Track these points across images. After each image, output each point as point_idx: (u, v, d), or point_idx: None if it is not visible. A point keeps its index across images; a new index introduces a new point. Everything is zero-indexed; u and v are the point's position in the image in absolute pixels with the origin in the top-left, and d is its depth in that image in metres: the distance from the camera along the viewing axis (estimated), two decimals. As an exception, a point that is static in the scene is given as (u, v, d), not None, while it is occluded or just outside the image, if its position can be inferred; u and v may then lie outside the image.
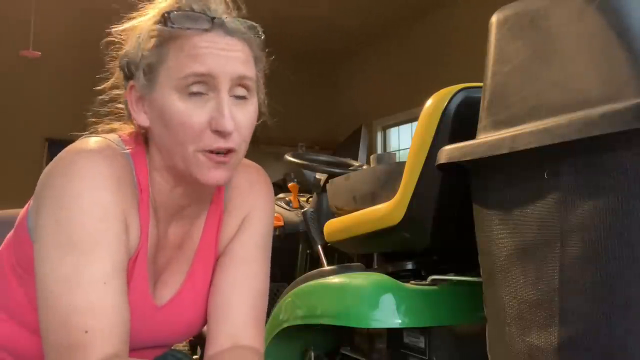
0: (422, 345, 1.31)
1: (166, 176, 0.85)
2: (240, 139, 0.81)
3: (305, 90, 7.01)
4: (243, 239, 0.95)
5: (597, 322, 0.81)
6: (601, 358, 0.81)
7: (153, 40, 0.79)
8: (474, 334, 1.29)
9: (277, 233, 2.19)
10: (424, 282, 1.34)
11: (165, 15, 0.78)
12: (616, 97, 0.79)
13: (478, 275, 1.07)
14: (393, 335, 1.39)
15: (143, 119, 0.83)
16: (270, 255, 1.00)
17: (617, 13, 0.83)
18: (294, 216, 2.24)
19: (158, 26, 0.79)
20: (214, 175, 0.80)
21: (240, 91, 0.80)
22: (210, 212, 0.94)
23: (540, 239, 0.90)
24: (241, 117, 0.80)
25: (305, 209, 1.98)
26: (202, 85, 0.77)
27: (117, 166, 0.80)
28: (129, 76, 0.84)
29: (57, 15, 5.26)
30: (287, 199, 2.43)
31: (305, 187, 2.31)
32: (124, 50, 0.84)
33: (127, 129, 0.89)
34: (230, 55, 0.78)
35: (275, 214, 2.24)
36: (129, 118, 0.87)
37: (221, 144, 0.78)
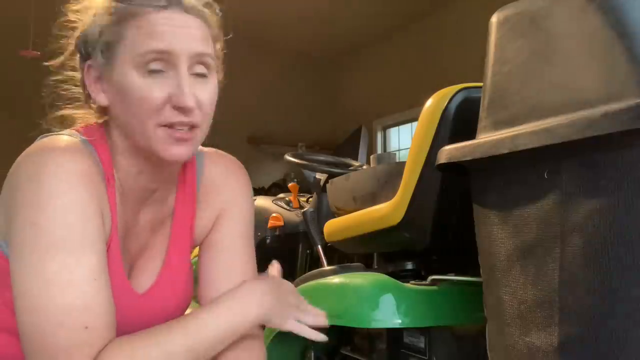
0: (422, 345, 1.31)
1: (130, 159, 0.85)
2: (201, 116, 0.81)
3: (305, 90, 7.01)
4: (227, 231, 0.97)
5: (597, 322, 0.81)
6: (601, 358, 0.81)
7: (110, 18, 0.79)
8: (474, 334, 1.29)
9: (277, 233, 2.19)
10: (424, 282, 1.34)
11: None
12: (616, 97, 0.79)
13: (478, 275, 1.07)
14: (393, 335, 1.39)
15: (102, 98, 0.83)
16: (253, 243, 1.01)
17: (617, 13, 0.83)
18: (294, 216, 2.24)
19: (114, 3, 0.79)
20: (175, 150, 0.80)
21: (200, 69, 0.80)
22: (179, 196, 0.95)
23: (540, 239, 0.90)
24: (202, 94, 0.80)
25: (305, 209, 1.99)
26: (160, 62, 0.77)
27: (84, 160, 0.80)
28: (85, 57, 0.83)
29: (57, 15, 5.26)
30: (287, 199, 2.43)
31: (305, 187, 2.31)
32: (81, 30, 0.83)
33: (80, 114, 0.89)
34: (188, 33, 0.78)
35: (275, 214, 2.25)
36: (86, 100, 0.86)
37: (182, 118, 0.78)
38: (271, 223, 2.17)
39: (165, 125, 0.78)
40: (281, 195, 2.55)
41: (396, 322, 1.25)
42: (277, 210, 2.29)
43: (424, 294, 1.30)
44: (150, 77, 0.77)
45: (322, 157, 2.23)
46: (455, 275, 1.31)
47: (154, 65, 0.77)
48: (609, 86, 0.81)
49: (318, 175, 2.07)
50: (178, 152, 0.80)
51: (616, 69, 0.81)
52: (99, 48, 0.80)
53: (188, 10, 0.79)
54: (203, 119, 0.81)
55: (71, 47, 0.86)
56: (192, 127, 0.80)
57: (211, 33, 0.83)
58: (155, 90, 0.77)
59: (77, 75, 0.87)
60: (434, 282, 1.33)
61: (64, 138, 0.82)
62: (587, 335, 0.82)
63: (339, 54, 7.00)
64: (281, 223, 2.21)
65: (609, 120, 0.77)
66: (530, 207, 0.92)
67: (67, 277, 0.74)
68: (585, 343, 0.83)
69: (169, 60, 0.77)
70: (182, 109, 0.77)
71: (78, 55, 0.85)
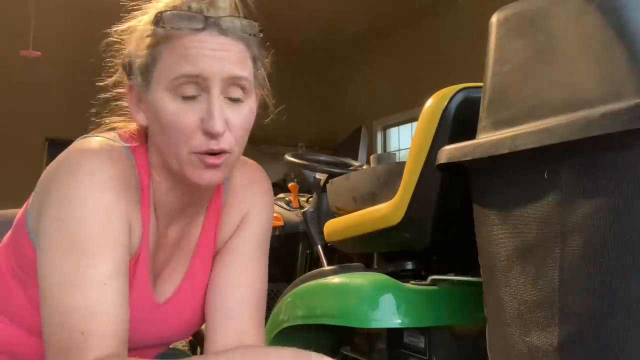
0: (422, 345, 1.31)
1: (165, 176, 0.85)
2: (233, 140, 0.79)
3: (305, 90, 7.00)
4: (243, 237, 0.96)
5: (597, 322, 0.81)
6: (601, 358, 0.81)
7: (147, 40, 0.79)
8: (474, 334, 1.29)
9: (277, 233, 2.19)
10: (424, 282, 1.34)
11: (159, 15, 0.77)
12: (616, 97, 0.79)
13: (478, 275, 1.07)
14: (393, 335, 1.39)
15: (141, 118, 0.84)
16: (268, 253, 1.00)
17: (617, 13, 0.83)
18: (294, 216, 2.24)
19: (152, 26, 0.79)
20: (206, 176, 0.79)
21: (235, 92, 0.79)
22: (209, 211, 0.95)
23: (540, 239, 0.89)
24: (234, 118, 0.79)
25: (305, 209, 1.98)
26: (193, 86, 0.76)
27: (120, 166, 0.80)
28: (129, 76, 0.84)
29: (57, 15, 5.26)
30: (287, 199, 2.43)
31: (305, 187, 2.31)
32: (126, 50, 0.84)
33: (128, 125, 0.89)
34: (222, 55, 0.77)
35: (275, 214, 2.25)
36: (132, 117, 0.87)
37: (212, 145, 0.77)
38: (271, 223, 2.17)
39: (196, 152, 0.78)
40: (281, 195, 2.55)
41: (396, 322, 1.25)
42: (277, 210, 2.29)
43: (424, 294, 1.30)
44: (184, 102, 0.76)
45: (322, 157, 2.23)
46: (455, 275, 1.31)
47: (187, 91, 0.76)
48: (609, 86, 0.81)
49: (318, 175, 2.07)
50: (209, 177, 0.79)
51: (616, 69, 0.81)
52: (138, 69, 0.80)
53: (225, 32, 0.77)
54: (235, 143, 0.80)
55: (119, 67, 0.86)
56: (222, 152, 0.79)
57: (250, 54, 0.82)
58: (188, 116, 0.76)
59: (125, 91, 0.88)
60: (434, 282, 1.33)
61: (104, 140, 0.83)
62: (587, 335, 0.82)
63: (339, 53, 7.00)
64: (281, 223, 2.21)
65: (608, 120, 0.77)
66: (530, 207, 0.92)
67: (78, 279, 0.74)
68: (585, 343, 0.83)
69: (201, 84, 0.76)
70: (211, 135, 0.76)
71: (125, 74, 0.85)
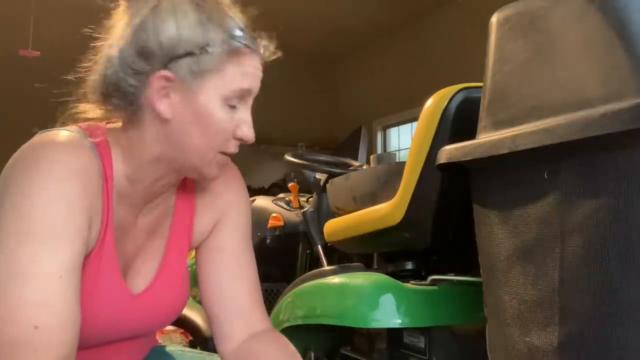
0: (422, 345, 1.31)
1: (149, 167, 0.85)
2: None
3: (305, 90, 7.01)
4: (229, 233, 1.00)
5: (597, 322, 0.81)
6: (601, 358, 0.81)
7: (219, 46, 0.81)
8: (474, 334, 1.29)
9: (277, 233, 2.18)
10: (424, 282, 1.34)
11: (240, 30, 0.83)
12: (616, 97, 0.79)
13: (478, 275, 1.07)
14: (393, 335, 1.39)
15: (165, 109, 0.82)
16: (252, 244, 1.05)
17: (617, 13, 0.83)
18: (294, 216, 2.24)
19: (229, 39, 0.82)
20: (218, 172, 0.88)
21: None
22: (179, 199, 0.96)
23: (540, 239, 0.90)
24: None
25: (305, 209, 1.98)
26: (239, 98, 0.85)
27: (83, 157, 0.79)
28: (158, 64, 0.81)
29: (57, 15, 5.27)
30: (287, 199, 2.43)
31: (305, 187, 2.31)
32: (167, 33, 0.81)
33: (93, 111, 0.88)
34: (260, 75, 0.87)
35: (275, 214, 2.25)
36: (128, 103, 0.84)
37: (236, 149, 0.88)
38: (271, 223, 2.17)
39: (222, 152, 0.86)
40: (281, 195, 2.55)
41: (396, 322, 1.25)
42: (277, 210, 2.29)
43: (424, 294, 1.30)
44: (230, 111, 0.84)
45: (322, 157, 2.23)
46: (455, 275, 1.31)
47: (235, 101, 0.84)
48: (609, 86, 0.81)
49: (318, 175, 2.07)
50: (219, 173, 0.89)
51: (616, 69, 0.81)
52: (188, 65, 0.80)
53: (263, 55, 0.87)
54: None
55: (123, 44, 0.82)
56: None
57: None
58: (231, 123, 0.84)
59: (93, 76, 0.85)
60: (434, 282, 1.33)
61: (64, 133, 0.82)
62: (587, 335, 0.82)
63: (339, 53, 7.00)
64: (281, 223, 2.21)
65: (609, 120, 0.77)
66: (530, 207, 0.92)
67: (32, 269, 0.71)
68: (585, 343, 0.83)
69: (243, 98, 0.85)
70: (243, 141, 0.87)
71: (142, 57, 0.82)
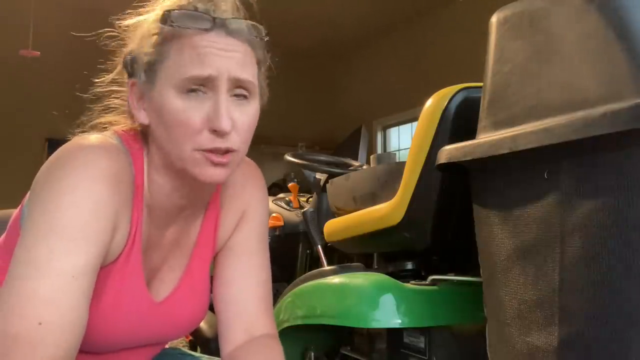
0: (422, 345, 1.31)
1: (165, 176, 0.85)
2: (239, 140, 0.80)
3: (305, 90, 7.00)
4: (245, 233, 0.97)
5: (597, 322, 0.81)
6: (601, 358, 0.81)
7: (154, 38, 0.79)
8: (474, 334, 1.29)
9: (277, 233, 2.19)
10: (424, 282, 1.34)
11: (167, 13, 0.77)
12: (616, 97, 0.79)
13: (478, 275, 1.07)
14: (393, 335, 1.39)
15: (143, 117, 0.83)
16: (267, 244, 1.01)
17: (617, 13, 0.83)
18: (294, 216, 2.24)
19: (159, 24, 0.78)
20: (212, 172, 0.79)
21: (240, 91, 0.80)
22: (208, 211, 0.95)
23: (540, 239, 0.90)
24: (240, 117, 0.79)
25: (305, 209, 1.98)
26: (202, 85, 0.77)
27: (116, 162, 0.79)
28: (131, 74, 0.83)
29: (57, 15, 5.27)
30: (287, 199, 2.43)
31: (305, 187, 2.31)
32: (128, 48, 0.84)
33: (122, 122, 0.89)
34: (229, 55, 0.77)
35: (275, 214, 2.25)
36: (130, 116, 0.87)
37: (219, 143, 0.77)
38: (271, 223, 2.17)
39: (201, 150, 0.78)
40: (281, 195, 2.55)
41: (396, 322, 1.25)
42: (277, 210, 2.29)
43: (424, 294, 1.30)
44: (189, 97, 0.76)
45: (322, 157, 2.23)
46: (455, 275, 1.31)
47: (196, 88, 0.76)
48: (609, 86, 0.81)
49: (318, 175, 2.07)
50: (214, 174, 0.79)
51: (616, 69, 0.81)
52: (142, 67, 0.80)
53: (232, 33, 0.78)
54: (241, 142, 0.80)
55: (119, 64, 0.86)
56: (228, 150, 0.79)
57: (255, 56, 0.82)
58: (194, 114, 0.76)
59: (124, 89, 0.87)
60: (434, 282, 1.33)
61: (101, 137, 0.82)
62: (587, 335, 0.82)
63: (339, 53, 7.00)
64: (281, 223, 2.21)
65: (608, 120, 0.77)
66: (530, 208, 0.92)
67: (47, 265, 0.71)
68: (585, 343, 0.83)
69: (209, 84, 0.77)
70: (218, 133, 0.76)
71: (125, 72, 0.85)
